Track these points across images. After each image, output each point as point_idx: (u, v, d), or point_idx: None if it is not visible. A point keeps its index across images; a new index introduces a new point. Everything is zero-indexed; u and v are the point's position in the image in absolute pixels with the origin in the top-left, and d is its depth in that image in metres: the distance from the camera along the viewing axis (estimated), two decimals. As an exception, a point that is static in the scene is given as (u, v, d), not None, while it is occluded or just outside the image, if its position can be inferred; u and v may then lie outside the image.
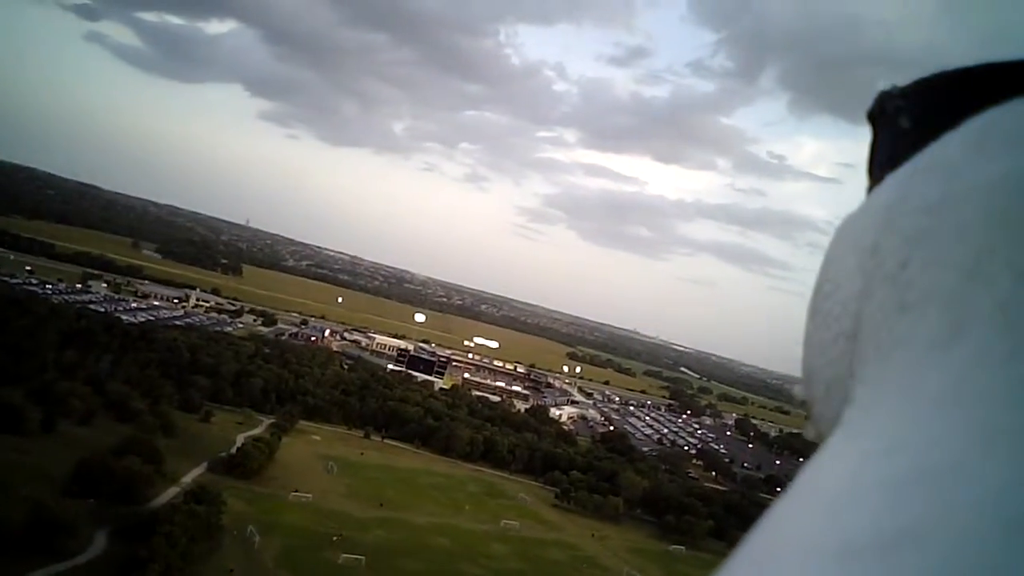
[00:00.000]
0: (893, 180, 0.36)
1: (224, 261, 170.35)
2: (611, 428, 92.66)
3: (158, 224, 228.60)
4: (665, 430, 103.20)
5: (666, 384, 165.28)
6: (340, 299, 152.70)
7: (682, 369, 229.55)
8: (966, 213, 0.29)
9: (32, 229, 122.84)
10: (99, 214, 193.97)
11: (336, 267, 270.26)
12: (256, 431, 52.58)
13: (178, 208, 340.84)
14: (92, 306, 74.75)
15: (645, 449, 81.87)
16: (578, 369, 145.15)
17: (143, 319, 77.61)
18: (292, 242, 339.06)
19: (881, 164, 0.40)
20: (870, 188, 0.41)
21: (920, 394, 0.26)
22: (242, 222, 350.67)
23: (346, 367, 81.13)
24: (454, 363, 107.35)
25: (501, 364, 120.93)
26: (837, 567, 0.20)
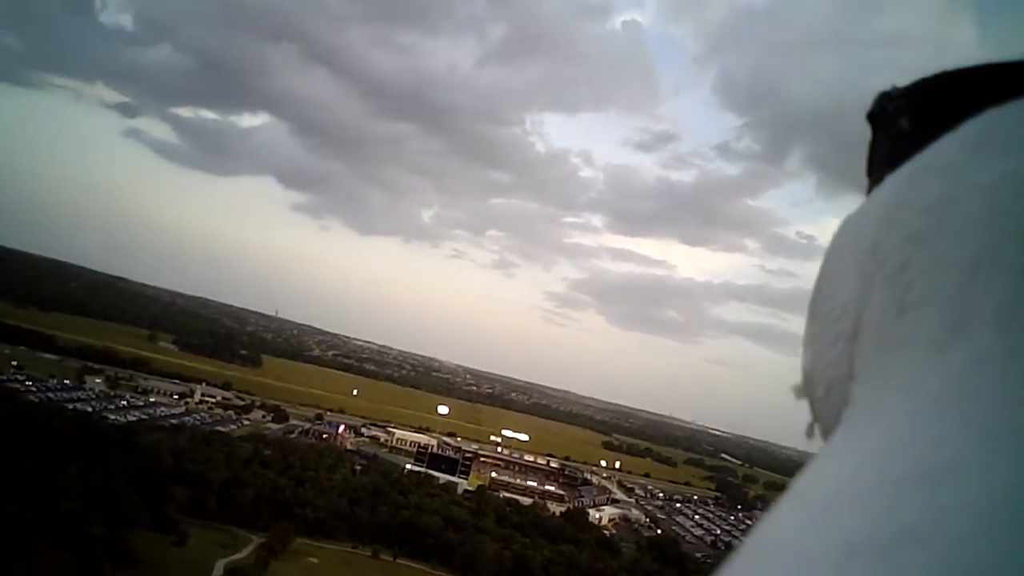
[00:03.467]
0: (893, 181, 0.36)
1: (244, 352, 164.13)
2: (658, 531, 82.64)
3: (182, 316, 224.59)
4: (717, 530, 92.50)
5: (710, 474, 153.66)
6: (355, 391, 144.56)
7: (723, 456, 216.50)
8: (966, 214, 0.29)
9: (38, 321, 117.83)
10: (120, 305, 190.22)
11: (363, 356, 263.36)
12: (241, 554, 44.21)
13: (208, 300, 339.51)
14: (79, 404, 67.84)
15: (698, 555, 71.68)
16: (617, 464, 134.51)
17: (134, 418, 70.34)
18: (320, 332, 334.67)
19: (881, 165, 0.40)
20: (869, 189, 0.41)
21: (920, 394, 0.26)
22: (271, 313, 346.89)
23: (358, 469, 72.59)
24: (481, 459, 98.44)
25: (532, 459, 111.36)
26: (837, 568, 0.20)
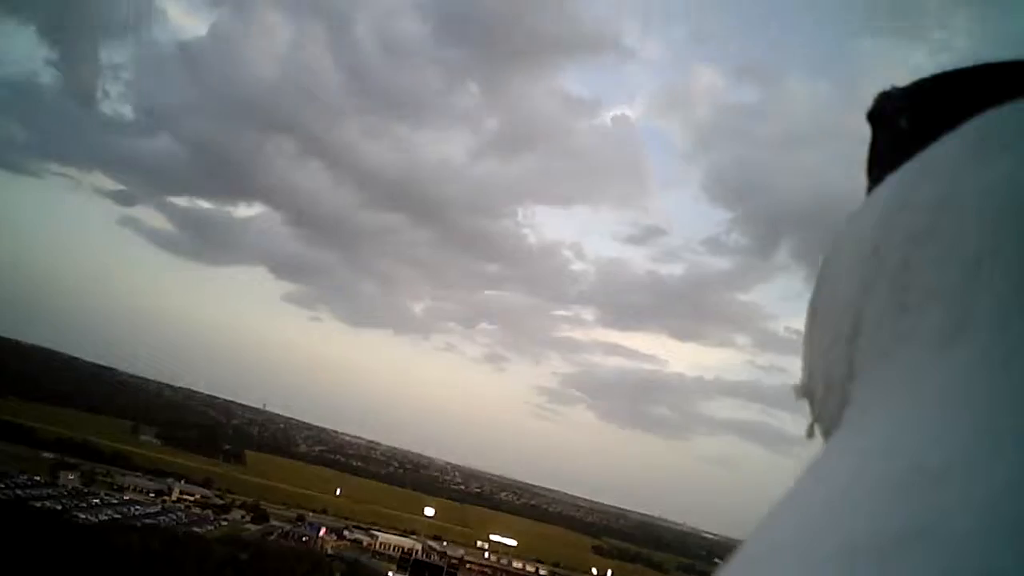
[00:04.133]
0: (893, 181, 0.36)
1: (228, 447, 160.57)
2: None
3: (168, 408, 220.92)
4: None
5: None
6: (339, 490, 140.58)
7: (716, 560, 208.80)
8: (966, 214, 0.28)
9: (18, 412, 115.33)
10: (105, 396, 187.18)
11: (350, 453, 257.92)
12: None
13: (195, 391, 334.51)
14: (49, 502, 65.27)
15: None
16: (609, 573, 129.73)
17: (106, 517, 67.58)
18: (307, 426, 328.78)
19: (881, 165, 0.40)
20: (869, 189, 0.41)
21: (920, 394, 0.26)
22: (259, 406, 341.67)
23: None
24: (467, 565, 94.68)
25: (520, 566, 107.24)
26: (837, 568, 0.20)
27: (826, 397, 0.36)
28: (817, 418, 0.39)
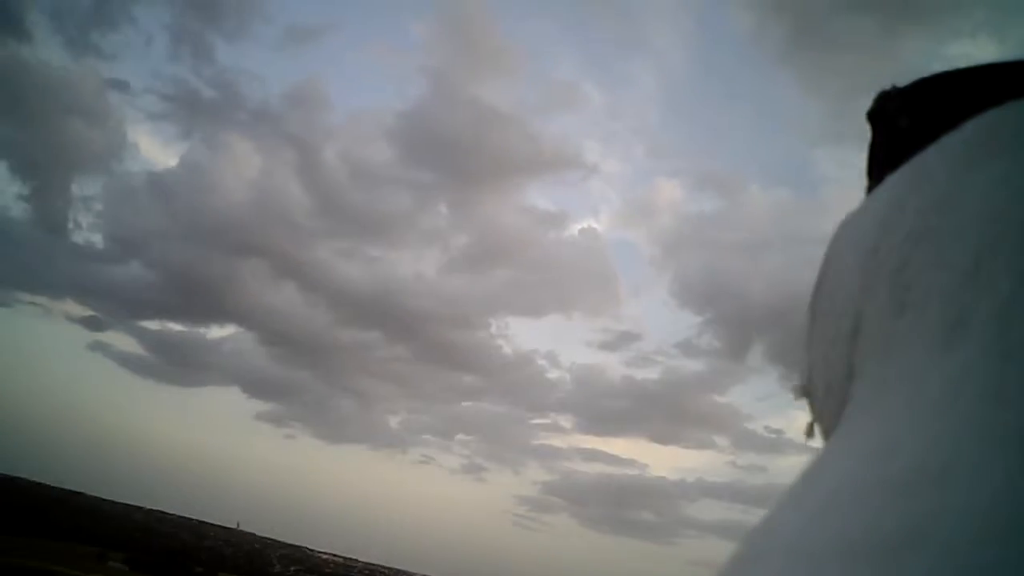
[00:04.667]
0: (893, 180, 0.36)
1: (200, 570, 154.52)
2: None
3: (137, 531, 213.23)
4: None
5: None
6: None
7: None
8: (966, 214, 0.28)
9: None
10: (71, 522, 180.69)
11: (327, 571, 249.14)
12: None
13: (166, 513, 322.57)
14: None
15: None
16: None
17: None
18: (282, 545, 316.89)
19: (880, 164, 0.40)
20: (869, 188, 0.41)
21: (920, 394, 0.26)
22: (232, 525, 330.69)
23: None
24: None
25: None
26: (837, 568, 0.20)
27: (826, 397, 0.37)
28: (817, 418, 0.39)
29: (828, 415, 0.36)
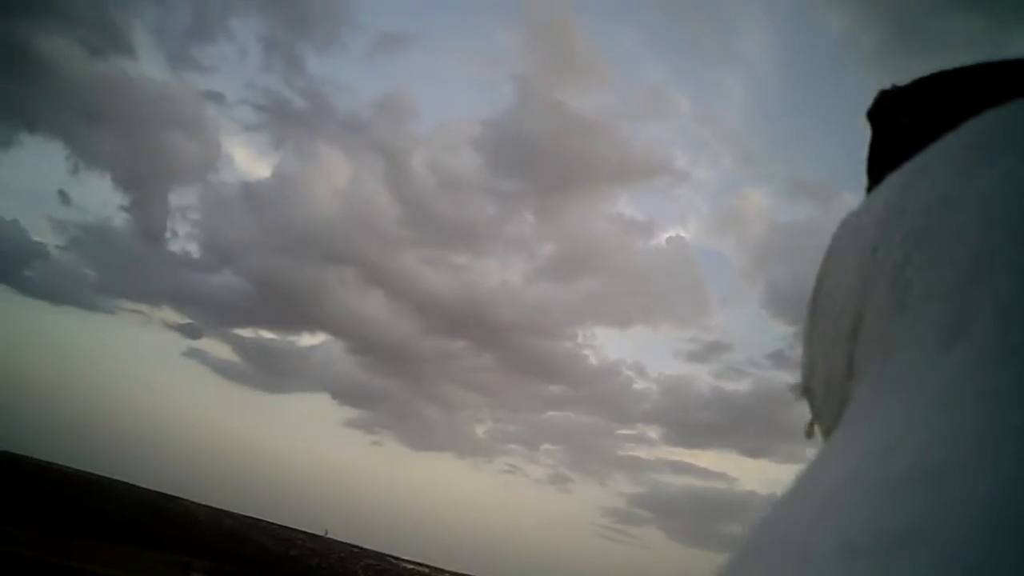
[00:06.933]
0: (893, 180, 0.35)
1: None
2: None
3: (227, 538, 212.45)
4: None
5: None
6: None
7: None
8: (966, 213, 0.28)
9: (63, 550, 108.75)
10: (159, 528, 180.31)
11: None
12: None
13: (256, 519, 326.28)
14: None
15: None
16: None
17: None
18: (368, 554, 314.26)
19: (881, 164, 0.39)
20: (869, 188, 0.41)
21: (920, 394, 0.26)
22: (320, 533, 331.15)
23: None
24: None
25: None
26: (837, 567, 0.20)
27: (826, 396, 0.36)
28: (817, 417, 0.39)
29: (828, 414, 0.36)
